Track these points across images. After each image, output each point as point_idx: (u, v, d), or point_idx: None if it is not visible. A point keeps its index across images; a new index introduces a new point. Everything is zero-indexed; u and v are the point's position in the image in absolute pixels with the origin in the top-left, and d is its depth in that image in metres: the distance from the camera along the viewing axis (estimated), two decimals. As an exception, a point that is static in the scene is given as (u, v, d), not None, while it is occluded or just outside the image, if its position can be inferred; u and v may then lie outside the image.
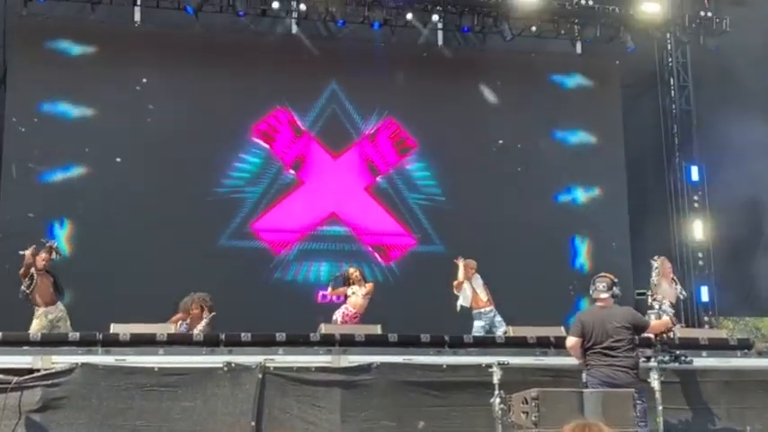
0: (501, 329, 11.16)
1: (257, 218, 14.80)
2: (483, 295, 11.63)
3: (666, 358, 8.66)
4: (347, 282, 11.57)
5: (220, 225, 14.57)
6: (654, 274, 9.70)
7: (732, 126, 15.65)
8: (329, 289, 11.99)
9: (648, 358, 8.53)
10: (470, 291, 11.64)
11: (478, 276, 11.83)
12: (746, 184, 14.95)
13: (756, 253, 14.65)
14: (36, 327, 10.42)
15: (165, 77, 14.61)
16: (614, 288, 8.27)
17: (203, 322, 10.44)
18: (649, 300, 8.87)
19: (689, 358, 8.80)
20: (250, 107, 15.01)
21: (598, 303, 8.22)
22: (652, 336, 8.85)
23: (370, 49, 15.52)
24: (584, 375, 8.10)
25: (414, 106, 15.55)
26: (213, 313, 10.63)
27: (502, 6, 15.15)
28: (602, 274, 8.45)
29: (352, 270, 11.71)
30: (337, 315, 11.27)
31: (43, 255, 10.72)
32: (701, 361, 9.23)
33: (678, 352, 8.77)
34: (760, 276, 12.30)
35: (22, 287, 10.58)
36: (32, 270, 10.61)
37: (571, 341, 8.16)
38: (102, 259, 13.64)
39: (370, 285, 11.52)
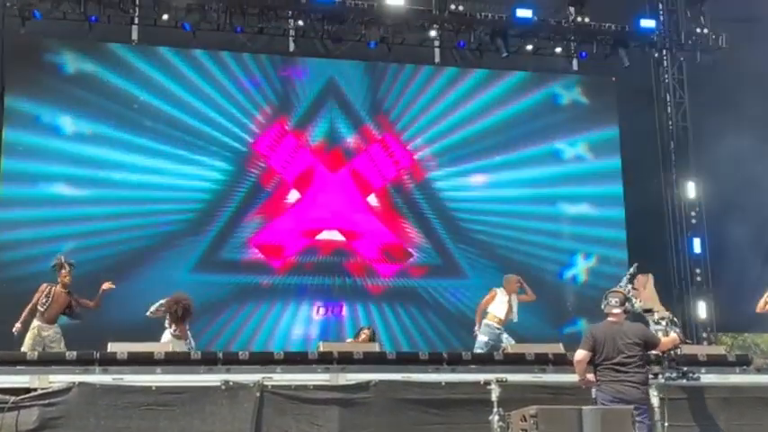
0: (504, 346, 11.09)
1: (255, 233, 14.81)
2: (501, 312, 11.49)
3: (674, 375, 8.64)
4: (357, 338, 11.52)
5: (218, 240, 14.58)
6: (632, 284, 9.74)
7: (729, 142, 15.70)
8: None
9: (656, 375, 8.51)
10: (506, 304, 11.55)
11: (514, 295, 11.74)
12: (743, 200, 14.99)
13: (754, 268, 14.64)
14: (29, 341, 10.41)
15: (162, 95, 14.63)
16: (627, 304, 8.26)
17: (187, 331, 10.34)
18: (656, 316, 8.86)
19: (696, 375, 8.79)
20: (248, 123, 15.04)
21: (610, 318, 8.20)
22: (659, 352, 8.83)
23: (367, 67, 15.58)
24: (593, 391, 8.06)
25: (413, 122, 15.59)
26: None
27: (499, 24, 15.22)
28: (615, 289, 8.46)
29: (365, 331, 11.60)
30: None
31: (64, 271, 10.68)
32: (701, 377, 9.20)
33: (685, 368, 8.75)
34: (758, 292, 12.28)
35: (39, 308, 10.54)
36: (50, 288, 10.61)
37: (581, 354, 8.12)
38: (101, 277, 13.64)
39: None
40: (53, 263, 10.83)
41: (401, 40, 15.19)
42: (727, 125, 16.02)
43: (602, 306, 8.30)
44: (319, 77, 15.43)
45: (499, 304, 11.46)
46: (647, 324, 8.93)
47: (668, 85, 16.79)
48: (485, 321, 11.40)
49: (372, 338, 11.39)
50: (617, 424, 7.40)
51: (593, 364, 8.08)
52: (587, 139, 16.22)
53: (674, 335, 8.62)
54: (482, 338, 11.37)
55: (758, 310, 9.65)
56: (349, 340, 11.69)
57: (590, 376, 8.10)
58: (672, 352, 8.79)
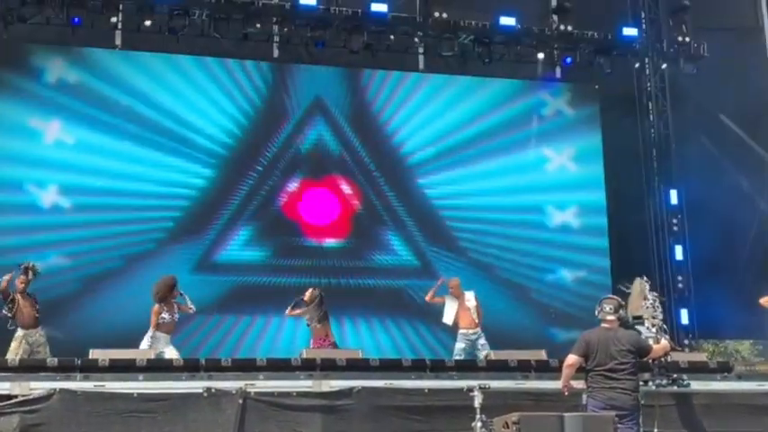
0: (483, 353, 11.12)
1: (240, 239, 14.78)
2: (466, 317, 11.58)
3: (664, 381, 8.68)
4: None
5: (201, 249, 14.55)
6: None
7: (710, 150, 15.82)
8: (288, 310, 11.60)
9: (646, 382, 8.55)
10: (453, 310, 11.60)
11: (471, 296, 11.76)
12: (725, 207, 15.08)
13: (735, 275, 14.74)
14: (14, 348, 10.38)
15: (146, 100, 14.58)
16: (621, 311, 8.31)
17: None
18: (646, 323, 8.90)
19: (686, 381, 8.84)
20: (232, 129, 15.01)
21: (604, 325, 8.23)
22: (650, 359, 8.87)
23: (351, 73, 15.59)
24: (583, 397, 8.08)
25: (398, 129, 15.62)
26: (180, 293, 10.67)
27: (482, 31, 15.26)
28: (609, 296, 8.50)
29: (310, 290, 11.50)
30: None
31: (21, 277, 10.74)
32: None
33: (675, 375, 8.80)
34: (739, 299, 12.37)
35: (4, 310, 10.55)
36: (13, 293, 10.60)
37: (571, 359, 8.14)
38: (82, 284, 13.60)
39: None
40: (21, 264, 10.86)
41: (386, 47, 15.20)
42: (709, 133, 16.15)
43: (596, 312, 8.33)
44: (305, 84, 15.42)
45: (449, 310, 11.49)
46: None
47: (651, 93, 16.87)
48: (458, 332, 11.55)
49: (318, 299, 11.19)
50: (599, 431, 7.43)
51: (584, 369, 8.12)
52: (570, 146, 16.27)
53: (664, 342, 8.66)
54: (458, 345, 11.41)
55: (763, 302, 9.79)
56: (299, 310, 11.37)
57: (573, 383, 8.13)
58: (662, 359, 8.84)
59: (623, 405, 7.85)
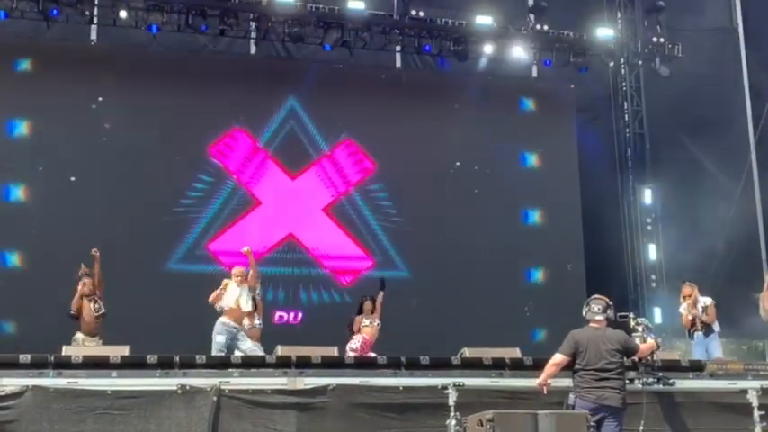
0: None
1: (213, 238, 14.73)
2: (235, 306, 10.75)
3: (650, 380, 8.74)
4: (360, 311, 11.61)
5: (175, 246, 14.49)
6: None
7: (685, 149, 15.94)
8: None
9: (632, 380, 8.60)
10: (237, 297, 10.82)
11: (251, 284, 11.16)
12: (698, 206, 15.20)
13: (708, 274, 14.86)
14: None
15: (121, 96, 14.49)
16: (608, 311, 8.35)
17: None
18: (632, 323, 8.96)
19: (671, 380, 8.90)
20: (207, 126, 14.95)
21: (592, 324, 8.28)
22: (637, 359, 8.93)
23: (328, 70, 15.58)
24: (571, 397, 8.12)
25: (373, 127, 15.64)
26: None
27: (459, 30, 15.29)
28: (597, 296, 8.54)
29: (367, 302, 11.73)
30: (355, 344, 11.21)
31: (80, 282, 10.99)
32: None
33: (661, 374, 8.86)
34: (712, 298, 12.49)
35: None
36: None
37: (559, 357, 8.18)
38: (54, 279, 13.46)
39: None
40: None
41: (362, 45, 15.20)
42: (683, 133, 16.27)
43: (584, 313, 8.39)
44: (279, 82, 15.35)
45: (230, 297, 10.74)
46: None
47: (626, 93, 17.00)
48: (220, 319, 10.64)
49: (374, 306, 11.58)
50: (572, 428, 7.48)
51: (571, 369, 8.16)
52: (545, 145, 16.34)
53: (650, 341, 8.70)
54: (219, 339, 10.52)
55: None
56: (358, 318, 11.48)
57: (550, 381, 8.18)
58: (648, 358, 8.90)
59: (613, 404, 7.92)
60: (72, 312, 10.82)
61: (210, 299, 10.65)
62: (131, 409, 8.22)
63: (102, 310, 10.87)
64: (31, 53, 14.24)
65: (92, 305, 10.85)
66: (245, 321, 10.82)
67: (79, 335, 10.73)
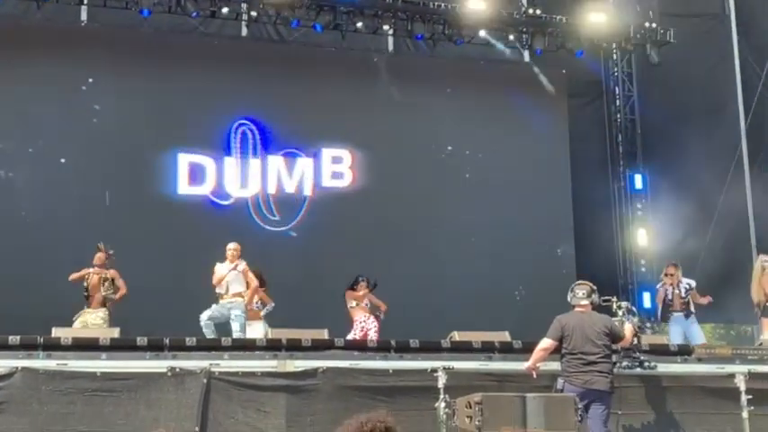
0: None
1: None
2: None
3: (631, 363, 8.78)
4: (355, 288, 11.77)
5: (165, 227, 14.44)
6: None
7: (676, 135, 15.95)
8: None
9: (613, 363, 8.65)
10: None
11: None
12: (689, 192, 15.24)
13: (698, 260, 14.92)
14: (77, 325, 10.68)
15: (112, 78, 14.42)
16: (593, 295, 8.39)
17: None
18: (614, 306, 9.00)
19: (653, 364, 8.94)
20: (197, 108, 14.88)
21: (578, 309, 8.33)
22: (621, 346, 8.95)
23: (320, 54, 15.51)
24: (559, 381, 8.17)
25: (365, 111, 15.57)
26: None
27: (451, 14, 15.25)
28: (581, 281, 8.61)
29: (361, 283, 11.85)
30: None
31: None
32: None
33: (642, 357, 8.90)
34: (701, 283, 12.56)
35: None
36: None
37: (547, 342, 8.22)
38: (45, 260, 13.45)
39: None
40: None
41: (354, 29, 15.14)
42: (674, 118, 16.28)
43: (569, 298, 8.43)
44: (268, 66, 15.29)
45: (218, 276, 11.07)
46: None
47: (617, 79, 17.01)
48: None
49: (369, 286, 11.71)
50: (560, 411, 7.52)
51: (559, 353, 8.20)
52: (537, 129, 16.32)
53: (628, 325, 8.74)
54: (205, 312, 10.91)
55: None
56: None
57: (539, 365, 8.22)
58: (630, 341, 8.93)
59: (600, 388, 7.96)
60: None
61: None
62: (121, 391, 8.23)
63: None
64: (22, 34, 14.13)
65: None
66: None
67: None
